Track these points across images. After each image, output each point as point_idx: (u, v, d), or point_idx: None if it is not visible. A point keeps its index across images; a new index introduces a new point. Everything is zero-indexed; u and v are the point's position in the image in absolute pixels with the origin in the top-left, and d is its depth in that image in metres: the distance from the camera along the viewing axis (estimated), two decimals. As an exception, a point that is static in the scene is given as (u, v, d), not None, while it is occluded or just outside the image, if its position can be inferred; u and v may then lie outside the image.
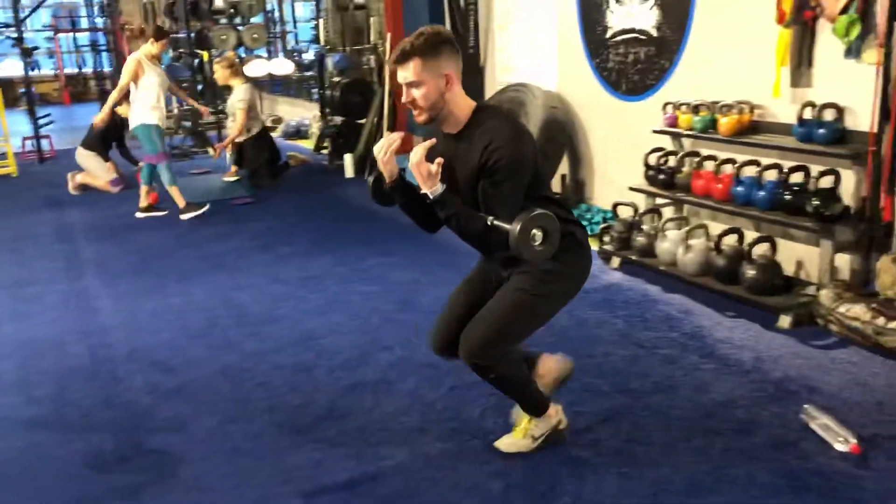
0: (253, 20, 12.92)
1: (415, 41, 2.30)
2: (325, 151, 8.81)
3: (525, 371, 2.71)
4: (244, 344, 3.79)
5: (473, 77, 6.76)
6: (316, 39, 12.27)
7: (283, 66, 12.57)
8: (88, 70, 17.05)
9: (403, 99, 2.38)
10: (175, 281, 4.80)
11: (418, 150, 2.31)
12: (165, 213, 6.50)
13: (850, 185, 3.82)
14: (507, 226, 2.24)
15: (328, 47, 9.65)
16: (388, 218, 6.12)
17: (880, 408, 2.95)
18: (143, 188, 6.51)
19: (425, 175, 2.29)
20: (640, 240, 4.52)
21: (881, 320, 3.39)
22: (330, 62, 8.98)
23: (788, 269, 4.16)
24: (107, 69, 15.29)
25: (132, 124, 6.37)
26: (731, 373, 3.29)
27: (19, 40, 9.74)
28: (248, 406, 3.17)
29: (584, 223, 5.31)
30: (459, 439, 2.85)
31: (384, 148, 2.38)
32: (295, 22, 15.16)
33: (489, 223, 2.31)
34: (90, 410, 3.20)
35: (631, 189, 4.79)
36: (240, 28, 11.25)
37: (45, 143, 9.89)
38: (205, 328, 4.02)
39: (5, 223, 6.54)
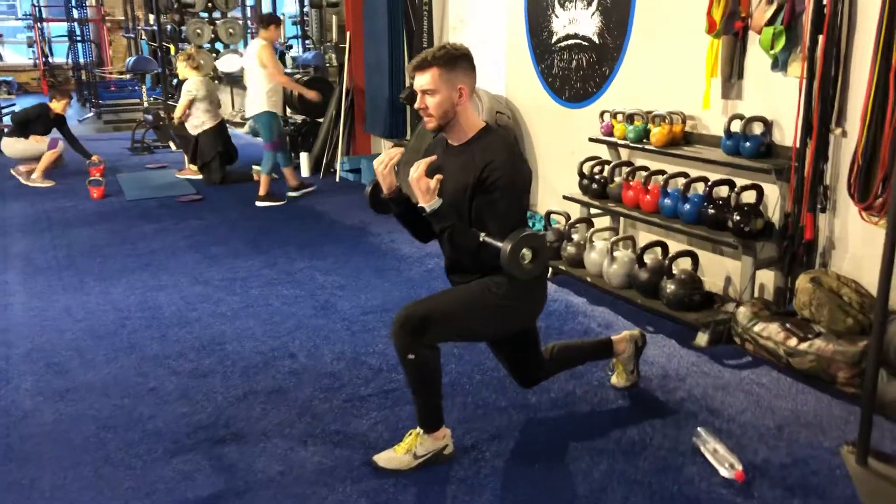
0: (230, 14, 12.85)
1: (436, 52, 2.45)
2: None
3: (439, 380, 2.60)
4: (147, 347, 3.68)
5: (427, 79, 6.67)
6: (303, 35, 12.21)
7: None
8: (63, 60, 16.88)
9: (417, 105, 2.49)
10: (97, 279, 4.69)
11: (420, 166, 2.40)
12: (283, 202, 6.59)
13: (774, 200, 3.74)
14: (498, 243, 2.35)
15: (289, 44, 9.55)
16: (330, 220, 6.06)
17: (778, 432, 2.87)
18: (263, 177, 6.57)
19: (424, 189, 2.38)
20: (569, 250, 4.43)
21: (793, 341, 3.31)
22: (289, 59, 8.87)
23: (717, 285, 4.09)
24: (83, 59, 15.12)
25: (250, 112, 6.49)
26: (636, 391, 3.20)
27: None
28: (132, 413, 3.06)
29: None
30: (340, 454, 2.75)
31: (384, 161, 2.50)
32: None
33: (482, 239, 2.41)
34: (-32, 413, 3.08)
35: (564, 198, 4.70)
36: (216, 22, 11.15)
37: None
38: (112, 329, 3.91)
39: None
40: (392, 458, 2.66)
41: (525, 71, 5.57)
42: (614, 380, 3.21)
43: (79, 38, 14.79)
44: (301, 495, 2.51)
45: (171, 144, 9.17)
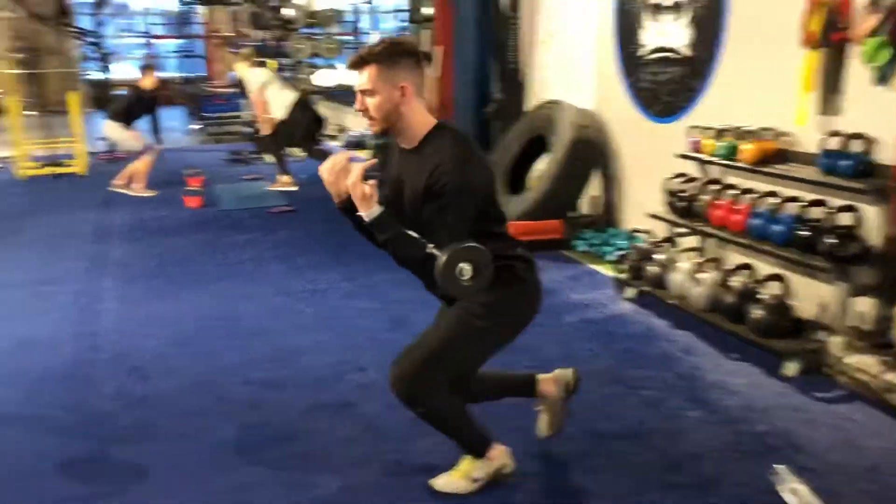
0: (331, 30, 13.18)
1: (373, 48, 2.24)
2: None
3: (461, 410, 2.54)
4: (225, 356, 3.76)
5: (514, 93, 6.61)
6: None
7: (352, 77, 12.71)
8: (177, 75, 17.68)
9: (356, 106, 2.29)
10: (185, 287, 4.84)
11: (355, 170, 2.22)
12: None
13: (873, 223, 3.49)
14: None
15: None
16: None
17: (871, 474, 2.66)
18: None
19: (359, 196, 2.22)
20: (652, 270, 4.28)
21: (891, 375, 3.07)
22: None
23: (808, 312, 3.85)
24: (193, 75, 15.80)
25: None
26: (714, 421, 3.04)
27: (97, 46, 10.19)
28: (204, 422, 3.12)
29: (609, 248, 5.11)
30: (401, 473, 2.72)
31: (328, 168, 2.29)
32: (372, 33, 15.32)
33: (428, 250, 2.21)
34: (53, 414, 3.22)
35: (649, 216, 4.55)
36: (316, 38, 11.46)
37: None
38: (192, 337, 4.02)
39: (54, 220, 6.79)
40: (449, 482, 2.60)
41: (613, 84, 5.44)
42: (539, 425, 2.84)
43: (187, 55, 15.48)
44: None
45: (265, 157, 9.44)
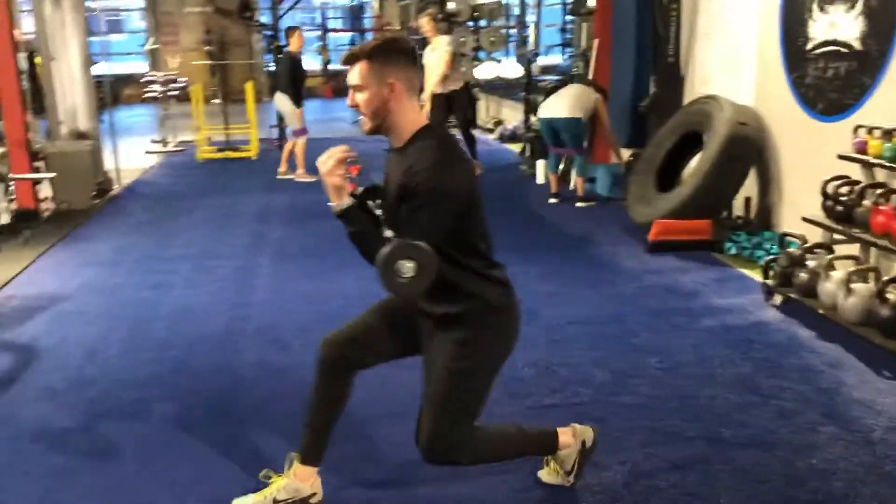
0: (494, 23, 13.30)
1: (366, 44, 2.21)
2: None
3: (504, 438, 2.50)
4: (360, 334, 3.93)
5: (672, 88, 6.41)
6: (567, 43, 12.37)
7: (512, 70, 12.80)
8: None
9: (348, 102, 2.24)
10: (334, 268, 5.09)
11: (330, 160, 2.15)
12: (594, 202, 6.77)
13: None
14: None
15: (535, 52, 9.67)
16: (555, 227, 6.06)
17: None
18: (578, 179, 6.83)
19: (331, 186, 2.15)
20: (802, 277, 4.03)
21: None
22: (535, 67, 8.97)
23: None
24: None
25: (562, 114, 6.56)
26: (852, 440, 2.84)
27: (273, 38, 10.86)
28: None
29: (761, 252, 4.86)
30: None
31: (325, 160, 2.16)
32: (538, 25, 15.28)
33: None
34: (202, 375, 3.52)
35: (803, 219, 4.29)
36: (480, 31, 11.62)
37: (288, 131, 10.88)
38: (335, 315, 4.19)
39: (223, 200, 7.34)
40: (550, 477, 2.60)
41: (776, 80, 5.16)
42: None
43: (358, 47, 16.12)
44: (462, 496, 2.55)
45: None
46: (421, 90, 7.73)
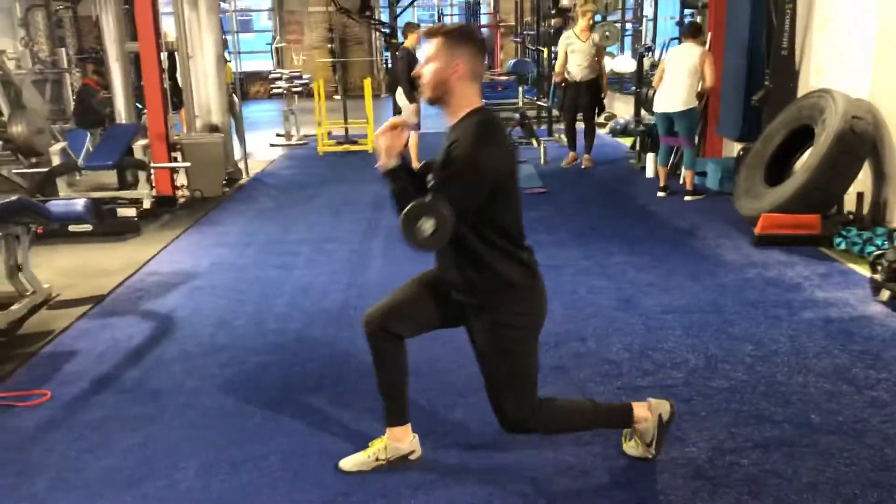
0: (608, 18, 13.30)
1: (446, 25, 2.46)
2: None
3: (571, 408, 2.66)
4: (463, 314, 4.18)
5: (785, 81, 6.32)
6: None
7: (625, 64, 12.75)
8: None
9: (416, 69, 2.46)
10: (440, 253, 5.36)
11: (385, 124, 2.36)
12: (703, 196, 6.82)
13: None
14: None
15: (648, 46, 9.62)
16: (660, 220, 6.11)
17: None
18: (688, 173, 6.91)
19: (381, 148, 2.33)
20: (911, 271, 3.98)
21: None
22: (647, 61, 8.96)
23: None
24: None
25: (677, 107, 6.70)
26: (944, 432, 2.85)
27: (391, 36, 11.27)
28: (431, 366, 3.55)
29: (872, 248, 4.78)
30: (599, 433, 2.91)
31: (380, 132, 2.35)
32: (655, 19, 15.10)
33: None
34: (318, 345, 3.85)
35: (914, 214, 4.21)
36: (596, 24, 11.67)
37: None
38: (439, 296, 4.49)
39: (340, 190, 7.77)
40: (634, 447, 2.75)
41: (893, 74, 5.04)
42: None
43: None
44: (552, 461, 2.75)
45: (534, 141, 9.84)
46: (484, 72, 7.90)
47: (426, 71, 2.38)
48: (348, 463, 2.76)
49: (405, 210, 2.19)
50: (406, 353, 2.69)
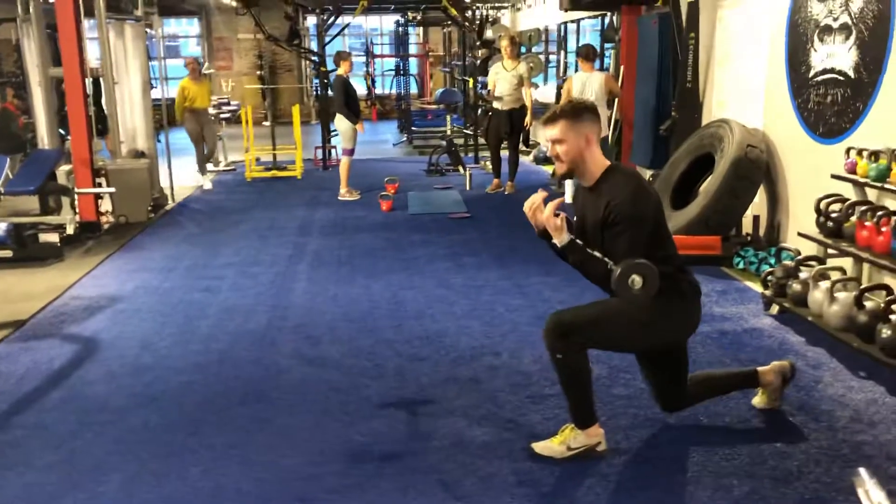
0: (533, 50, 13.77)
1: (564, 107, 2.83)
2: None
3: (589, 380, 2.90)
4: (384, 332, 4.36)
5: (690, 112, 6.75)
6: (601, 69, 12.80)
7: (548, 94, 13.20)
8: (392, 91, 19.06)
9: (549, 152, 2.86)
10: (364, 275, 5.53)
11: (549, 208, 2.76)
12: None
13: None
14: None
15: (566, 78, 10.04)
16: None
17: (967, 492, 2.68)
18: None
19: (553, 228, 2.75)
20: (795, 287, 4.33)
21: None
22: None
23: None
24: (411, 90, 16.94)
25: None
26: (815, 427, 3.15)
27: (320, 64, 11.44)
28: (356, 381, 3.72)
29: (766, 267, 5.16)
30: (505, 437, 3.12)
31: (528, 205, 2.83)
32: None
33: (609, 268, 2.68)
34: (242, 364, 3.97)
35: (799, 234, 4.59)
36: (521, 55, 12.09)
37: (332, 152, 11.38)
38: (361, 315, 4.66)
39: (268, 215, 7.87)
40: (548, 446, 2.97)
41: (782, 104, 5.47)
42: (756, 400, 3.31)
43: (403, 73, 16.66)
44: (462, 462, 2.94)
45: (460, 168, 10.12)
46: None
47: (560, 151, 2.77)
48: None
49: (617, 274, 2.58)
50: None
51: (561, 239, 2.74)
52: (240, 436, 3.21)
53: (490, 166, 9.77)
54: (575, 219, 2.99)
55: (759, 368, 3.22)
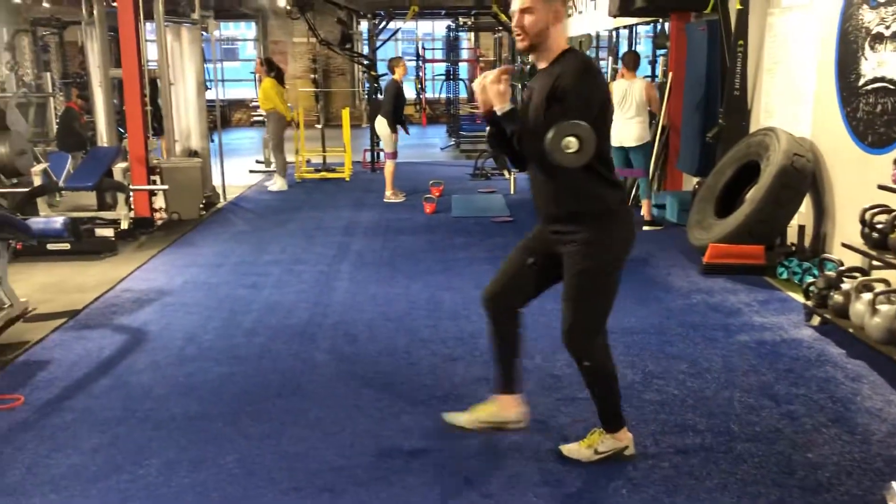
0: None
1: None
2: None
3: (615, 384, 2.90)
4: (420, 331, 4.43)
5: (737, 120, 6.67)
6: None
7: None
8: (441, 95, 19.17)
9: (514, 22, 2.67)
10: (404, 276, 5.61)
11: (494, 71, 2.65)
12: (661, 227, 7.15)
13: None
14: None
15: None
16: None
17: None
18: (644, 203, 7.24)
19: (495, 93, 2.61)
20: (836, 298, 4.27)
21: None
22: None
23: None
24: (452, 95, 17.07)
25: (631, 142, 7.15)
26: (852, 441, 3.11)
27: (370, 68, 11.61)
28: (390, 377, 3.79)
29: (811, 277, 5.08)
30: (534, 438, 3.15)
31: (479, 80, 2.64)
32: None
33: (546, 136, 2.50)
34: (281, 358, 4.07)
35: (843, 245, 4.52)
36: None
37: (380, 155, 11.53)
38: (399, 315, 4.74)
39: (315, 215, 8.02)
40: (576, 449, 3.00)
41: (831, 114, 5.39)
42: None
43: (452, 77, 16.77)
44: (489, 461, 2.98)
45: (505, 172, 10.16)
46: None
47: (526, 22, 2.62)
48: (457, 419, 3.00)
49: (553, 131, 2.43)
50: (521, 326, 2.97)
51: (502, 106, 2.60)
52: (274, 426, 3.30)
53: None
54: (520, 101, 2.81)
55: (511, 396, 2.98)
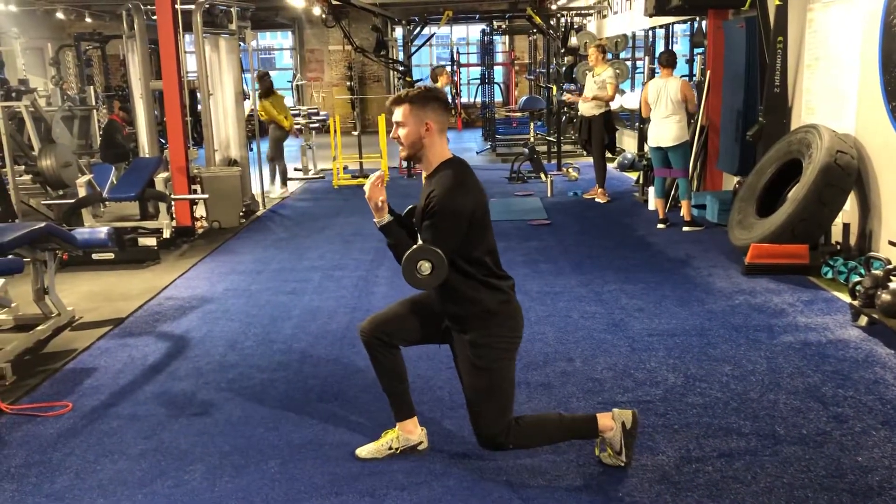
0: (620, 56, 13.64)
1: (409, 92, 2.75)
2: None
3: (541, 422, 2.91)
4: (459, 336, 4.42)
5: (778, 117, 6.56)
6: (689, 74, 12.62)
7: (634, 100, 13.04)
8: (477, 99, 19.17)
9: (391, 134, 2.80)
10: (443, 281, 5.61)
11: (369, 182, 2.73)
12: (701, 227, 7.05)
13: None
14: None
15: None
16: (656, 250, 6.33)
17: None
18: (684, 203, 7.15)
19: (373, 207, 2.74)
20: (885, 298, 4.17)
21: None
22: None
23: None
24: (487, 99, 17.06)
25: (668, 142, 7.00)
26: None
27: (406, 74, 11.65)
28: (429, 381, 3.80)
29: (856, 277, 4.98)
30: (574, 443, 3.11)
31: (367, 184, 2.74)
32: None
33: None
34: (321, 363, 4.10)
35: (890, 243, 4.41)
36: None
37: (416, 160, 11.61)
38: (438, 319, 4.74)
39: (352, 221, 8.08)
40: (608, 458, 2.96)
41: (876, 109, 5.27)
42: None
43: (488, 81, 16.75)
44: (529, 465, 2.97)
45: (542, 175, 10.12)
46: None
47: (400, 134, 2.72)
48: (364, 451, 3.09)
49: (405, 256, 2.60)
50: (400, 358, 2.98)
51: (380, 219, 2.73)
52: (315, 431, 3.33)
53: (573, 173, 9.80)
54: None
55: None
